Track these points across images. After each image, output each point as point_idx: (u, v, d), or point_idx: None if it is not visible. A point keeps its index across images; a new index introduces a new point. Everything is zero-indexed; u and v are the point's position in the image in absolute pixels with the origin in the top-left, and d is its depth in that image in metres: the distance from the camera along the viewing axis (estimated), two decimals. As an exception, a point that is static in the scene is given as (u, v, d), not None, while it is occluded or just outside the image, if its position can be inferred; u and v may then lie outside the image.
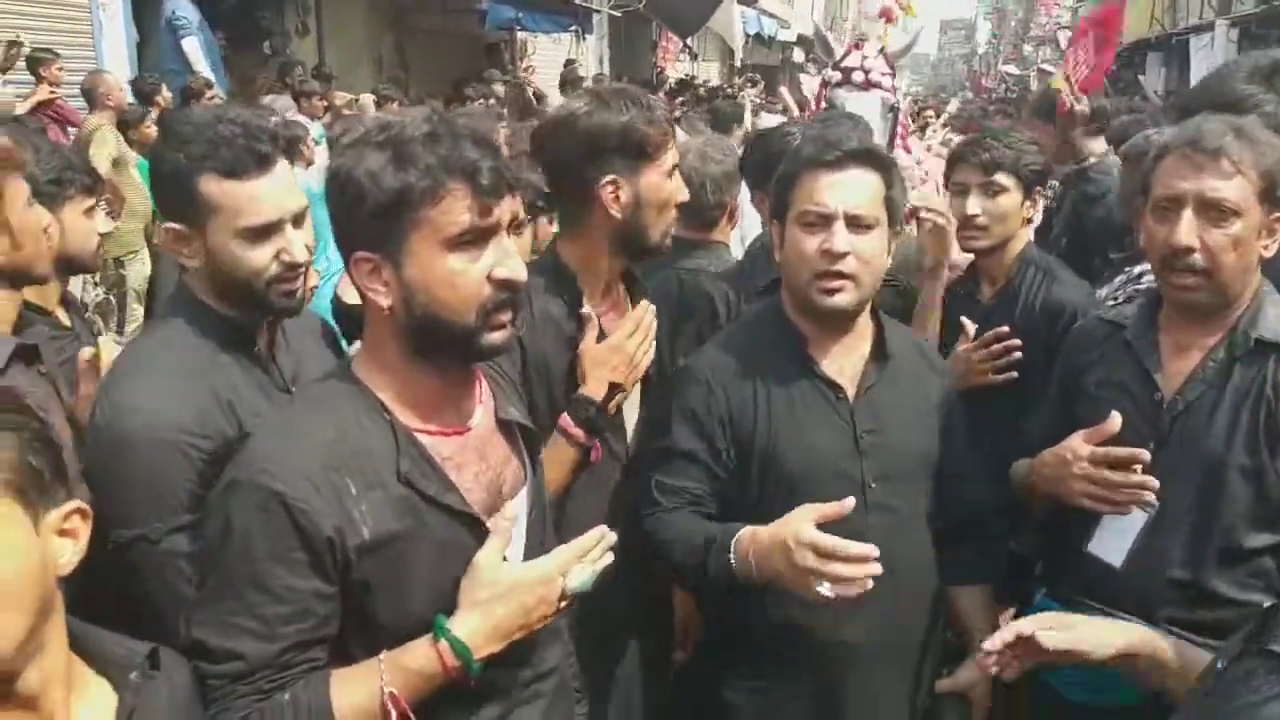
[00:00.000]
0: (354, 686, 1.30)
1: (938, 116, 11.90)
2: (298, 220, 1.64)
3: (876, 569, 1.48)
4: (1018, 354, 2.29)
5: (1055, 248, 3.54)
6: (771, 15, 24.36)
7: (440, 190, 1.28)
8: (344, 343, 2.25)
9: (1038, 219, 2.63)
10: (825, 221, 1.77)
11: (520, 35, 15.21)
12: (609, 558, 1.44)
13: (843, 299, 1.77)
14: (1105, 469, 1.72)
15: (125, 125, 6.69)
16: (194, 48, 8.34)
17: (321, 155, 6.31)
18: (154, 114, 6.97)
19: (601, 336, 1.91)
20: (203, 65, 8.29)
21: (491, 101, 9.88)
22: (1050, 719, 1.93)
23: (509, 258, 1.34)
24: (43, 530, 1.01)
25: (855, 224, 1.77)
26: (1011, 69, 36.68)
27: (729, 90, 15.67)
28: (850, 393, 1.84)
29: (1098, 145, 4.11)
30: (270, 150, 1.58)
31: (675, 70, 19.49)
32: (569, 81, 12.78)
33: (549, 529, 1.55)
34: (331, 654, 1.34)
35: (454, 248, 1.31)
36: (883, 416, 1.84)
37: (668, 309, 2.25)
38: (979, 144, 2.45)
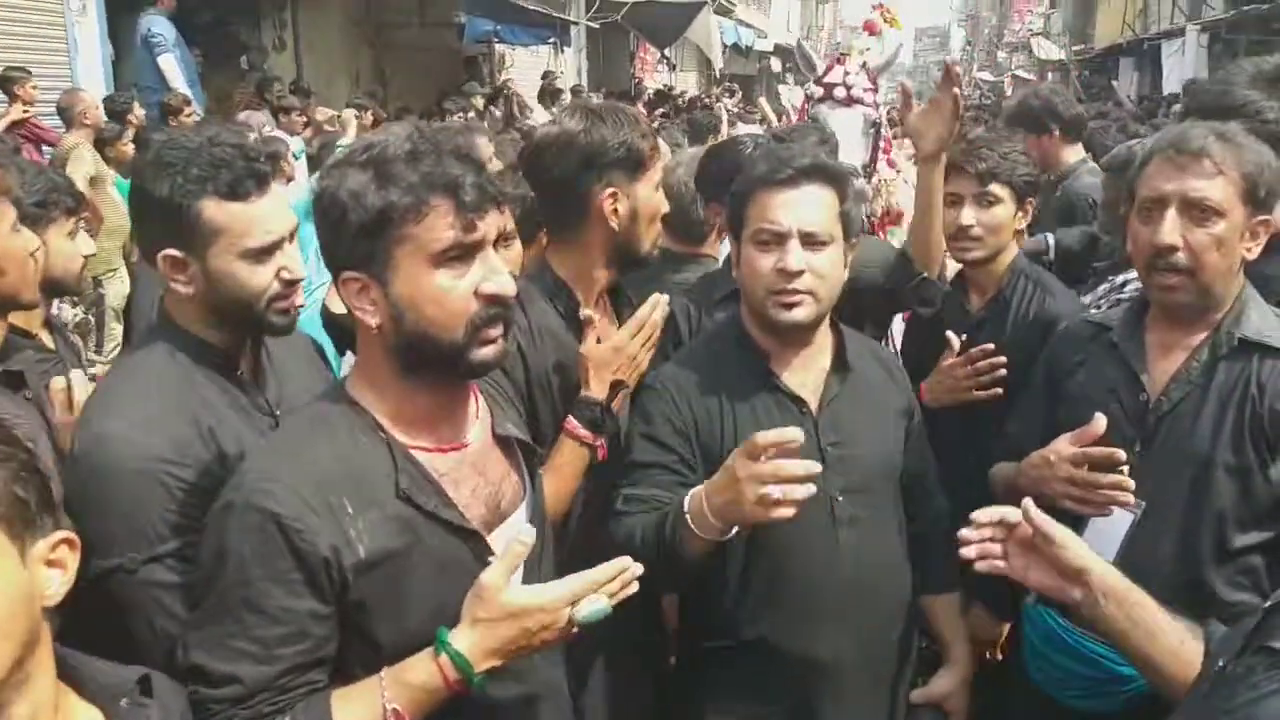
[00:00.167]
0: (355, 705, 1.29)
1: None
2: (292, 236, 1.65)
3: (816, 467, 1.47)
4: (1003, 371, 2.27)
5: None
6: (748, 25, 24.51)
7: (423, 207, 1.28)
8: (334, 356, 2.25)
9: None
10: (779, 240, 1.77)
11: (498, 48, 15.24)
12: (632, 588, 1.38)
13: (800, 313, 1.78)
14: (1086, 470, 1.72)
15: (102, 143, 6.64)
16: (171, 64, 8.30)
17: (301, 171, 6.29)
18: (130, 132, 6.93)
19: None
20: (180, 82, 8.25)
21: (471, 115, 9.88)
22: (1035, 715, 1.93)
23: (496, 273, 1.35)
24: (29, 561, 1.00)
25: (810, 241, 1.76)
26: (986, 75, 37.05)
27: (706, 100, 15.75)
28: (813, 405, 1.84)
29: (1073, 154, 4.14)
30: (269, 170, 1.59)
31: (653, 81, 19.58)
32: (548, 93, 12.82)
33: (548, 543, 1.55)
34: (333, 675, 1.33)
35: (439, 264, 1.31)
36: (845, 428, 1.85)
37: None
38: (974, 154, 2.41)
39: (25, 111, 6.60)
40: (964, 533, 1.48)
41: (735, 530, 1.58)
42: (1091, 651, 1.76)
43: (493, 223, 1.34)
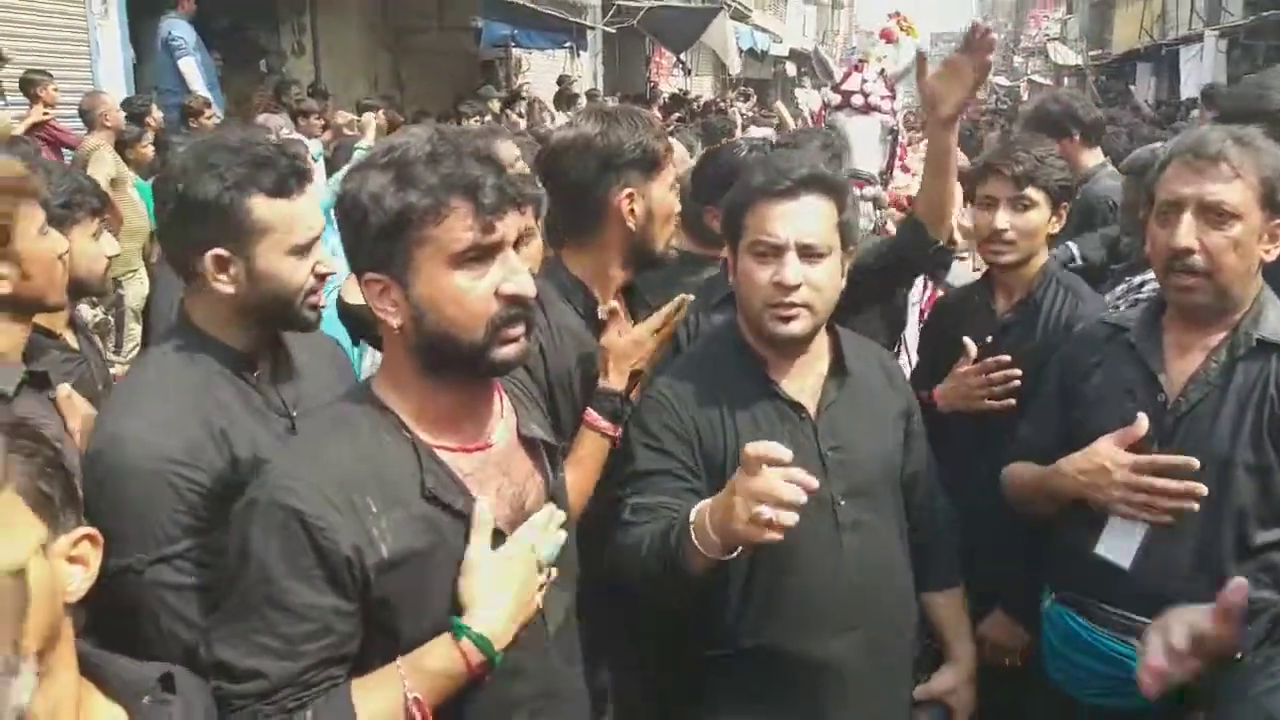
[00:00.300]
0: (375, 695, 1.30)
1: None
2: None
3: (814, 482, 1.41)
4: (1017, 383, 2.25)
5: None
6: (764, 30, 24.53)
7: (442, 209, 1.29)
8: (350, 348, 2.27)
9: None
10: (777, 252, 1.75)
11: (515, 52, 15.29)
12: (562, 534, 1.48)
13: (796, 327, 1.77)
14: (1153, 478, 1.73)
15: (122, 145, 6.70)
16: (191, 68, 8.37)
17: (320, 173, 6.34)
18: (149, 134, 6.99)
19: None
20: (200, 85, 8.32)
21: (488, 118, 9.93)
22: (1058, 717, 1.93)
23: (516, 273, 1.36)
24: (52, 556, 1.02)
25: (807, 253, 1.75)
26: (1002, 80, 36.94)
27: (721, 104, 15.77)
28: (812, 410, 1.84)
29: (1092, 158, 4.14)
30: (309, 168, 1.64)
31: (669, 85, 19.60)
32: (565, 97, 12.86)
33: (571, 542, 1.56)
34: (355, 673, 1.34)
35: (459, 265, 1.32)
36: (844, 433, 1.85)
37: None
38: (1011, 157, 2.37)
39: (45, 114, 6.67)
40: (1154, 671, 1.33)
41: (739, 551, 1.53)
42: (1111, 650, 1.76)
43: (512, 224, 1.35)
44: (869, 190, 3.85)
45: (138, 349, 6.17)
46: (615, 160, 1.94)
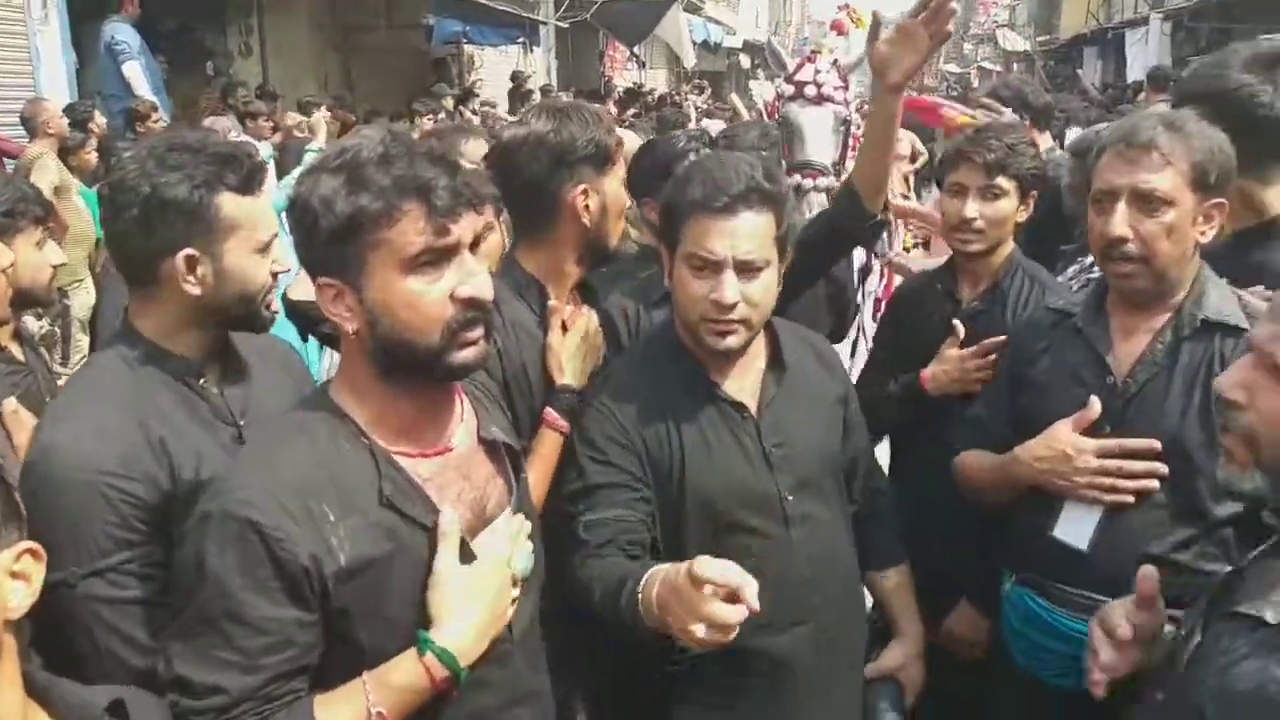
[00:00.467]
0: (339, 709, 1.29)
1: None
2: None
3: (755, 606, 1.32)
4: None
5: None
6: (717, 22, 24.56)
7: (394, 212, 1.27)
8: (301, 346, 2.25)
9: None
10: (715, 268, 1.73)
11: (467, 49, 15.18)
12: (530, 544, 1.48)
13: (734, 341, 1.76)
14: (1118, 460, 1.76)
15: (65, 152, 6.56)
16: (135, 72, 8.21)
17: (270, 175, 6.24)
18: (93, 141, 6.85)
19: None
20: (145, 89, 8.16)
21: (441, 116, 9.84)
22: (1023, 703, 1.95)
23: (473, 276, 1.34)
24: None
25: (746, 269, 1.72)
26: (952, 67, 37.30)
27: (675, 97, 15.77)
28: (753, 409, 1.85)
29: (1043, 142, 4.19)
30: (265, 165, 1.64)
31: (623, 79, 19.57)
32: (520, 94, 12.79)
33: (537, 545, 1.55)
34: (313, 685, 1.32)
35: (412, 269, 1.30)
36: (787, 428, 1.85)
37: None
38: (982, 144, 2.34)
39: (-14, 123, 6.51)
40: (1104, 664, 1.43)
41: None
42: (1071, 630, 1.78)
43: (468, 225, 1.33)
44: (822, 181, 3.87)
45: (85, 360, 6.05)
46: (569, 157, 1.93)
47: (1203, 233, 1.78)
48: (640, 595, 1.49)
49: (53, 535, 1.41)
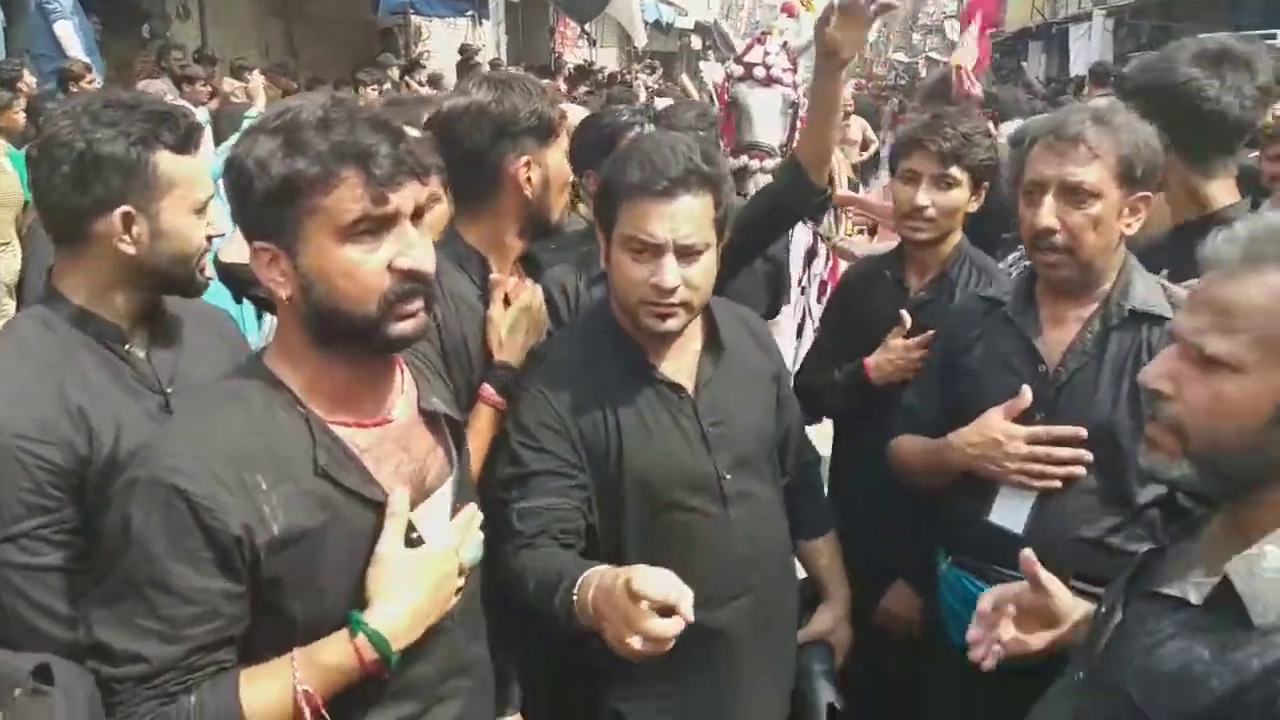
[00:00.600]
0: (264, 685, 1.26)
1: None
2: None
3: (690, 617, 1.34)
4: None
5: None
6: (669, 3, 24.44)
7: (331, 178, 1.24)
8: (236, 310, 2.20)
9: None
10: (654, 252, 1.71)
11: (415, 19, 14.91)
12: (481, 534, 1.48)
13: (674, 324, 1.75)
14: (1045, 447, 1.80)
15: (-10, 113, 6.32)
16: (67, 31, 7.94)
17: (207, 141, 6.08)
18: (21, 100, 6.60)
19: None
20: (77, 49, 7.89)
21: (386, 86, 9.66)
22: (957, 681, 1.98)
23: (413, 247, 1.31)
24: None
25: (685, 253, 1.71)
26: (900, 57, 37.69)
27: (627, 77, 15.68)
28: (690, 389, 1.84)
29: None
30: (201, 125, 1.62)
31: (574, 56, 19.40)
32: (468, 68, 12.60)
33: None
34: (242, 656, 1.30)
35: (349, 238, 1.27)
36: (724, 407, 1.86)
37: None
38: (937, 132, 2.31)
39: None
40: (973, 635, 1.51)
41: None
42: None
43: (409, 195, 1.30)
44: (769, 163, 3.87)
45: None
46: (511, 128, 1.91)
47: (1128, 225, 1.83)
48: (575, 597, 1.49)
49: None
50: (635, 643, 1.33)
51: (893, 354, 2.32)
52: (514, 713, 1.87)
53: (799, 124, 4.15)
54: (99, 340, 1.56)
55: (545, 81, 2.10)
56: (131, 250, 1.54)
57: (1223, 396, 1.13)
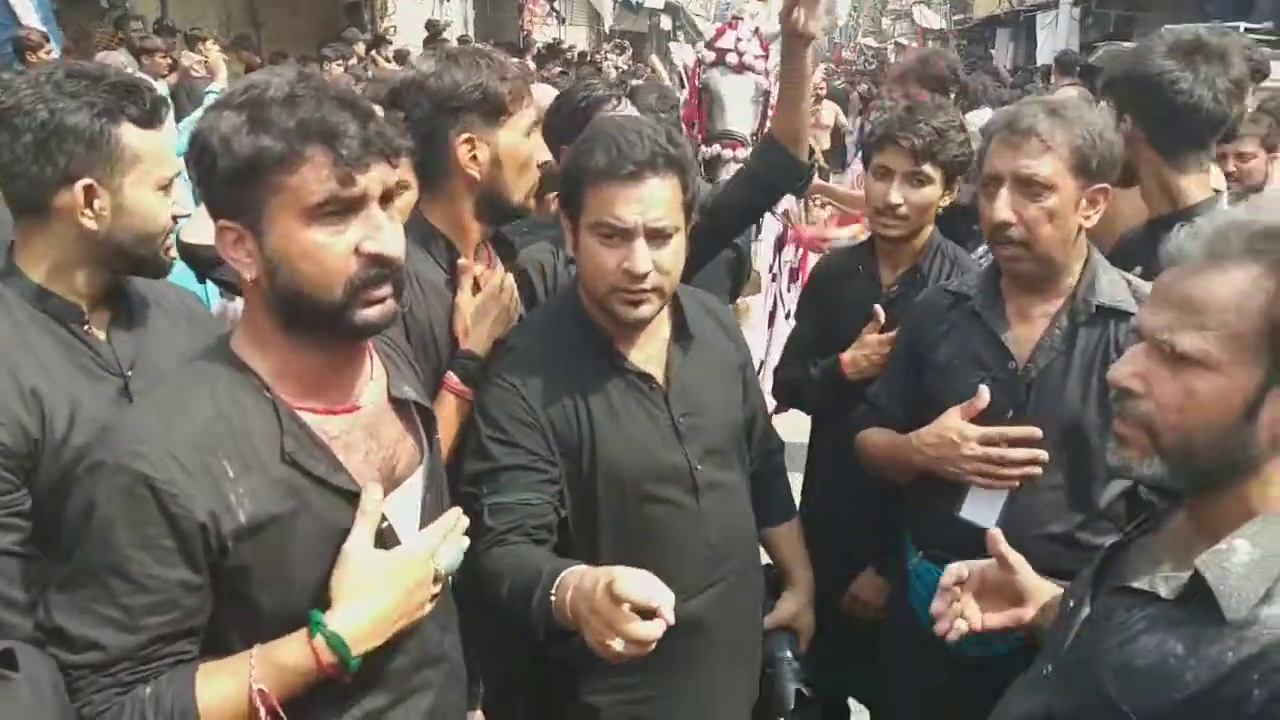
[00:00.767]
0: (221, 681, 1.24)
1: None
2: None
3: (671, 619, 1.33)
4: None
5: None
6: (639, -19, 24.28)
7: (296, 157, 1.21)
8: (201, 289, 2.15)
9: None
10: (624, 236, 1.68)
11: (381, -6, 14.69)
12: (466, 540, 1.45)
13: (646, 310, 1.74)
14: (1000, 448, 1.80)
15: (-55, 81, 6.14)
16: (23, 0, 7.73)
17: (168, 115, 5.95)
18: (-22, 70, 6.43)
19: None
20: (32, 18, 7.71)
21: (352, 62, 9.51)
22: (916, 669, 2.01)
23: (380, 231, 1.28)
24: None
25: (656, 236, 1.69)
26: (870, 42, 37.73)
27: (595, 57, 15.58)
28: (660, 379, 1.83)
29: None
30: (166, 100, 1.57)
31: (542, 34, 19.23)
32: (436, 43, 12.44)
33: (445, 509, 1.51)
34: (208, 644, 1.28)
35: (315, 219, 1.24)
36: (694, 398, 1.85)
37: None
38: (911, 128, 2.28)
39: None
40: (936, 608, 1.54)
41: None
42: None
43: (378, 176, 1.27)
44: (741, 152, 3.86)
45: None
46: (450, 103, 1.82)
47: (1087, 217, 1.83)
48: (554, 598, 1.47)
49: None
50: (617, 645, 1.33)
51: (868, 349, 2.32)
52: (475, 706, 1.86)
53: (770, 112, 4.13)
54: (57, 320, 1.53)
55: (515, 60, 2.01)
56: (94, 226, 1.51)
57: (1194, 394, 1.14)
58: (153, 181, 1.55)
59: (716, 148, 3.89)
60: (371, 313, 1.30)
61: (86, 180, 1.49)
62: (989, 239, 1.89)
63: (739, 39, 4.07)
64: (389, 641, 1.34)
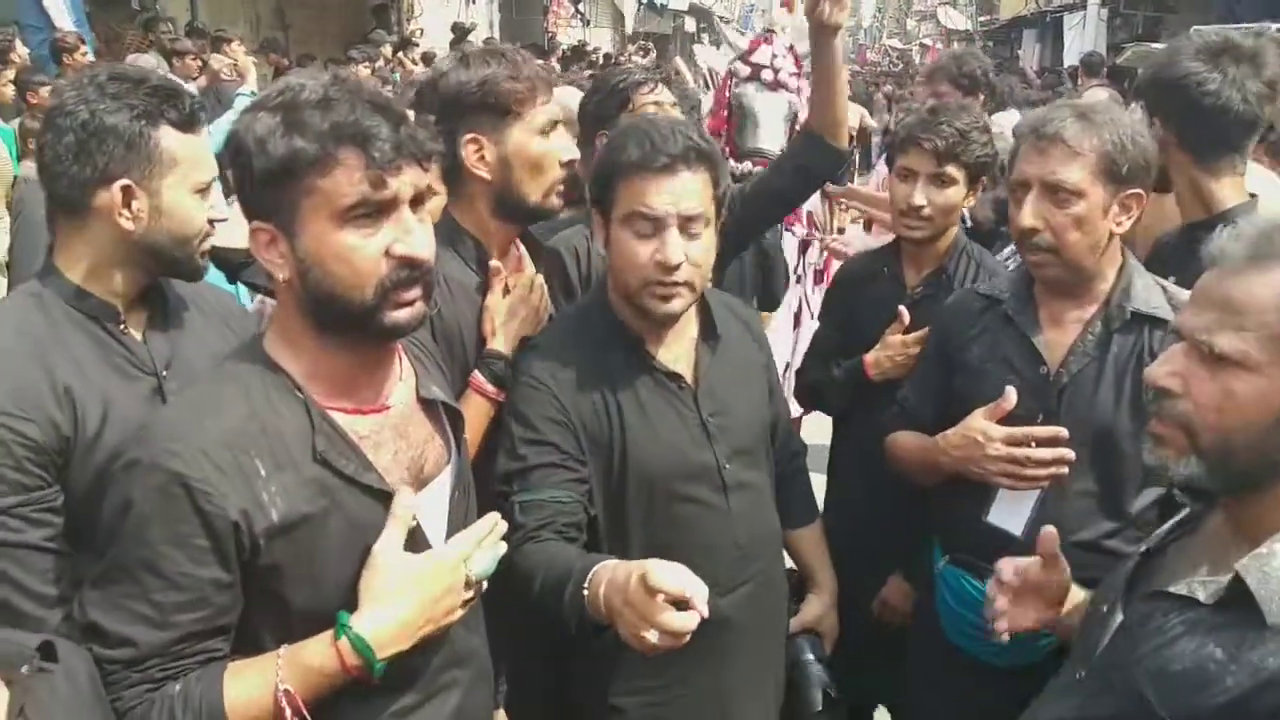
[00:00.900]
0: (248, 680, 1.26)
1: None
2: None
3: (705, 612, 1.32)
4: None
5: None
6: (663, -17, 24.29)
7: (329, 159, 1.23)
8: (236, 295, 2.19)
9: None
10: (657, 227, 1.69)
11: (407, -4, 14.78)
12: (503, 546, 1.43)
13: (678, 305, 1.74)
14: (1026, 448, 1.78)
15: (-19, 84, 6.24)
16: (55, 2, 7.83)
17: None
18: (9, 73, 6.51)
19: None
20: (66, 20, 7.81)
21: (379, 64, 9.58)
22: (943, 674, 2.01)
23: (410, 234, 1.29)
24: None
25: (688, 226, 1.70)
26: (895, 43, 37.63)
27: (620, 59, 15.59)
28: (689, 378, 1.83)
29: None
30: (203, 105, 1.60)
31: (567, 36, 19.28)
32: (462, 45, 12.49)
33: (472, 509, 1.52)
34: (241, 641, 1.29)
35: (347, 221, 1.25)
36: (722, 397, 1.85)
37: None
38: (934, 130, 2.27)
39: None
40: (1000, 605, 1.52)
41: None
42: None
43: (409, 179, 1.28)
44: (770, 171, 3.84)
45: (2, 302, 5.78)
46: (456, 104, 1.82)
47: (1119, 223, 1.80)
48: (586, 591, 1.47)
49: None
50: (651, 636, 1.32)
51: (891, 350, 2.32)
52: (497, 706, 1.87)
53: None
54: (93, 319, 1.55)
55: (539, 62, 1.99)
56: (131, 226, 1.53)
57: (1233, 394, 1.13)
58: (190, 184, 1.57)
59: (747, 164, 3.85)
60: (401, 314, 1.31)
61: (124, 181, 1.51)
62: (1017, 244, 1.87)
63: (774, 55, 4.04)
64: (416, 643, 1.34)
